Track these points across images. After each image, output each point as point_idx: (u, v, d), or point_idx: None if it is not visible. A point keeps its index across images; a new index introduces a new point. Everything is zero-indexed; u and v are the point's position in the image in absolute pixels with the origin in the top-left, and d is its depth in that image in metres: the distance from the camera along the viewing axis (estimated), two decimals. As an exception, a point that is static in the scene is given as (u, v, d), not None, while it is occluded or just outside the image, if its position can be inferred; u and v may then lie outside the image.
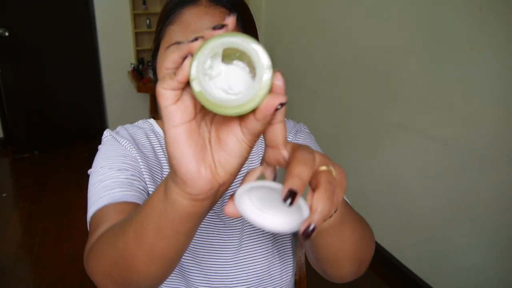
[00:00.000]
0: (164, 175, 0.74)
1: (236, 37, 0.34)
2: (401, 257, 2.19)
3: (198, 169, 0.37)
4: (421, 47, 1.87)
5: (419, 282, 2.06)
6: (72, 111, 3.89)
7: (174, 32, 0.66)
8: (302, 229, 0.36)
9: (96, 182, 0.67)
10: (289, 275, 0.81)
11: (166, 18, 0.68)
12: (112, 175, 0.67)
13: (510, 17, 1.48)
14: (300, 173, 0.34)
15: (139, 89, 3.43)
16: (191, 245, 0.73)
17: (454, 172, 1.79)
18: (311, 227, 0.35)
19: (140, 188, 0.68)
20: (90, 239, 0.58)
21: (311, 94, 2.80)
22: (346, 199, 0.72)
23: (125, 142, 0.73)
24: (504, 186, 1.59)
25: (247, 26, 0.69)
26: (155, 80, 0.72)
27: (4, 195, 3.14)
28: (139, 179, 0.69)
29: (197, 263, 0.74)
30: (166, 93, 0.35)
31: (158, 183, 0.73)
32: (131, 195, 0.65)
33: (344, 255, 0.54)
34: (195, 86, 0.35)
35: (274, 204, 0.38)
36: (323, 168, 0.39)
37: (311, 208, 0.36)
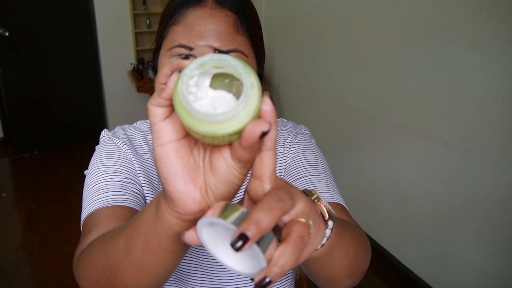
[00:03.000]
0: None
1: (225, 56, 0.33)
2: (401, 257, 2.19)
3: (186, 189, 0.36)
4: (422, 47, 1.87)
5: (419, 282, 2.06)
6: (72, 111, 3.89)
7: (178, 33, 0.64)
8: (256, 280, 0.32)
9: (90, 184, 0.67)
10: (289, 277, 0.80)
11: (169, 17, 0.66)
12: (106, 178, 0.67)
13: (510, 17, 1.48)
14: (259, 219, 0.31)
15: (139, 89, 3.43)
16: (192, 248, 0.73)
17: (454, 172, 1.79)
18: (266, 280, 0.32)
19: (134, 191, 0.67)
20: (80, 243, 0.58)
21: (311, 94, 2.80)
22: (345, 205, 0.71)
23: (121, 144, 0.73)
24: (504, 186, 1.59)
25: (252, 30, 0.68)
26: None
27: (4, 195, 3.14)
28: (133, 182, 0.69)
29: (198, 263, 0.74)
30: (154, 109, 0.35)
31: (155, 185, 0.73)
32: (124, 199, 0.64)
33: (337, 275, 0.53)
34: (175, 96, 0.33)
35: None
36: (301, 219, 0.35)
37: (271, 260, 0.32)
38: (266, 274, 0.32)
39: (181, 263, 0.73)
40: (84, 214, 0.63)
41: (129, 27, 3.75)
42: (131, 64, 3.77)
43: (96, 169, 0.69)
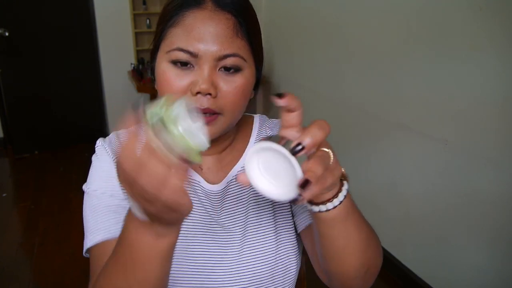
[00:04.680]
0: None
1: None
2: (401, 257, 2.19)
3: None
4: (421, 47, 1.87)
5: (419, 282, 2.06)
6: (72, 111, 3.89)
7: (176, 35, 0.63)
8: (292, 145, 0.45)
9: (90, 206, 0.69)
10: (291, 278, 0.80)
11: (168, 19, 0.65)
12: (106, 202, 0.68)
13: (510, 17, 1.48)
14: (315, 134, 0.46)
15: (139, 89, 3.43)
16: (191, 253, 0.73)
17: (454, 172, 1.79)
18: (298, 147, 0.44)
19: None
20: (91, 278, 0.62)
21: (311, 94, 2.80)
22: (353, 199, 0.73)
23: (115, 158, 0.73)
24: (504, 186, 1.59)
25: (252, 34, 0.67)
26: (153, 80, 0.72)
27: (4, 195, 3.14)
28: None
29: (190, 279, 0.72)
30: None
31: None
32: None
33: (350, 252, 0.56)
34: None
35: (276, 170, 0.46)
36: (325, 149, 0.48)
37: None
38: (300, 141, 0.45)
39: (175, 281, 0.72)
40: (88, 242, 0.66)
41: (129, 27, 3.75)
42: (131, 64, 3.77)
43: (94, 190, 0.70)
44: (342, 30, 2.41)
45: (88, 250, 0.67)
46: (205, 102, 0.62)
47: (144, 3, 3.76)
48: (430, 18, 1.81)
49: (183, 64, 0.63)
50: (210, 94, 0.62)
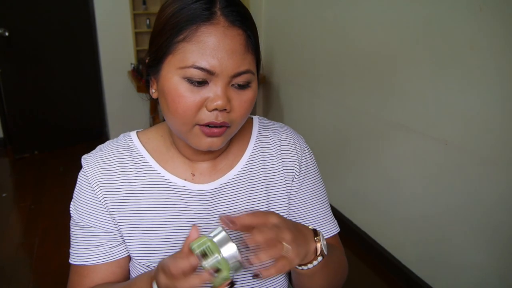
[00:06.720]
0: (139, 199, 0.74)
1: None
2: (401, 257, 2.19)
3: None
4: (421, 47, 1.87)
5: (419, 282, 2.06)
6: (72, 111, 3.89)
7: (191, 52, 0.62)
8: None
9: (73, 230, 0.77)
10: (283, 279, 0.80)
11: (176, 31, 0.62)
12: (86, 232, 0.75)
13: (510, 17, 1.48)
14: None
15: (139, 89, 3.43)
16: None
17: (454, 172, 1.79)
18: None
19: (109, 244, 0.75)
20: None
21: (311, 94, 2.80)
22: (338, 228, 0.85)
23: (96, 187, 0.74)
24: (504, 186, 1.59)
25: (257, 45, 0.68)
26: (147, 87, 0.72)
27: (4, 195, 3.14)
28: (111, 233, 0.75)
29: None
30: None
31: (130, 218, 0.74)
32: (103, 254, 0.75)
33: None
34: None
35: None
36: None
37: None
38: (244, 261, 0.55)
39: None
40: (70, 259, 0.77)
41: (129, 27, 3.75)
42: (131, 64, 3.77)
43: (78, 215, 0.76)
44: (342, 30, 2.41)
45: (71, 266, 0.78)
46: (220, 116, 0.64)
47: (144, 3, 3.76)
48: (430, 18, 1.80)
49: (200, 83, 0.63)
50: (225, 109, 0.64)
